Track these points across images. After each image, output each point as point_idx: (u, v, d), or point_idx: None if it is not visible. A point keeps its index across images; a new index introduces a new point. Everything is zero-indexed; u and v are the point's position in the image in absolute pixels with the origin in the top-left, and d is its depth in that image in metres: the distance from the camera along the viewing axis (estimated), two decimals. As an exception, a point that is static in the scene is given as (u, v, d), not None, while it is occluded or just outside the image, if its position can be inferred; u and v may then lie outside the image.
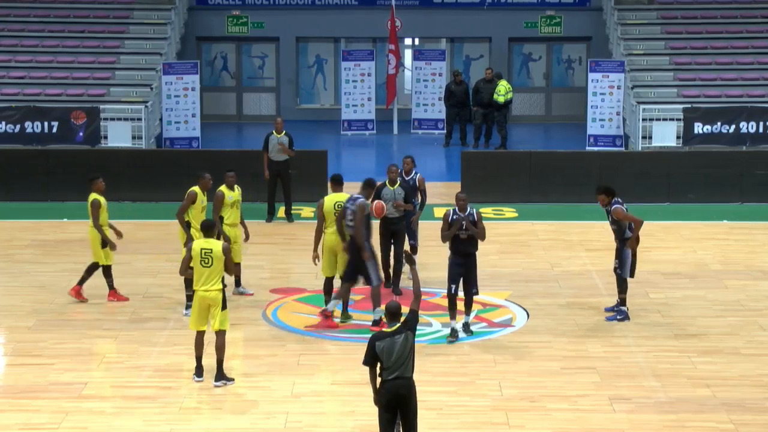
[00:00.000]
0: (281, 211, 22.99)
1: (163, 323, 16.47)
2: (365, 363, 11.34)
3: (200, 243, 14.15)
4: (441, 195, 24.28)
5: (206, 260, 13.99)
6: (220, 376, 14.04)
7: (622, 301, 16.66)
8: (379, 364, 11.28)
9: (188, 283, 16.66)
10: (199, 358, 14.16)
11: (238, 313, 16.56)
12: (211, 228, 14.27)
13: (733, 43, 32.03)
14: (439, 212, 23.60)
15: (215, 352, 14.05)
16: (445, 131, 31.47)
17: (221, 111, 34.92)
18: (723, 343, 15.75)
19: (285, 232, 22.01)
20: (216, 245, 14.07)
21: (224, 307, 14.06)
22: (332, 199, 16.61)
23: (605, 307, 17.07)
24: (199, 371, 14.15)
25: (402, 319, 11.39)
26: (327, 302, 16.61)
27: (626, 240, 16.48)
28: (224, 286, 14.14)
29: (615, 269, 16.69)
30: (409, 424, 11.17)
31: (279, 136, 22.75)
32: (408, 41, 35.56)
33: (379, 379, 11.29)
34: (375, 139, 32.01)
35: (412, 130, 32.60)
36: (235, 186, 17.91)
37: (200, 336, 14.13)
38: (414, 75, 33.30)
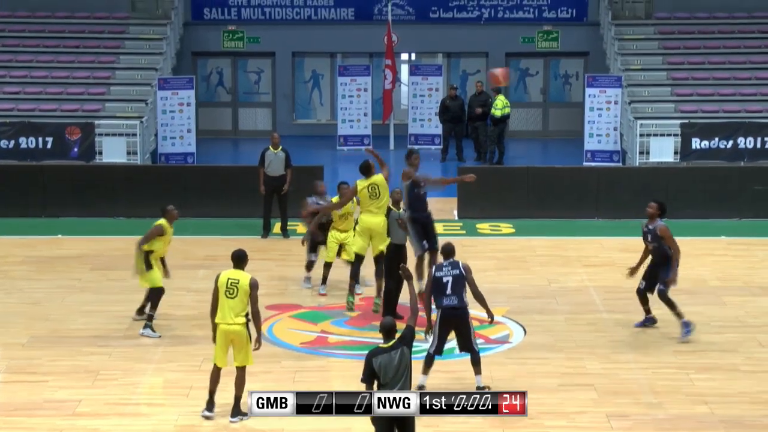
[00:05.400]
0: (277, 227, 22.87)
1: (158, 340, 16.36)
2: (363, 380, 11.23)
3: (227, 273, 13.54)
4: (437, 211, 24.12)
5: (231, 291, 13.41)
6: (237, 411, 13.52)
7: (679, 315, 16.42)
8: (376, 382, 11.16)
9: (154, 302, 16.58)
10: (212, 393, 13.57)
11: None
12: (241, 259, 13.64)
13: (731, 58, 32.01)
14: (437, 229, 23.49)
15: (234, 388, 13.55)
16: (441, 146, 31.44)
17: (217, 126, 34.83)
18: (722, 359, 15.67)
19: (281, 248, 21.90)
20: (244, 277, 13.48)
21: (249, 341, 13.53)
22: (364, 184, 17.45)
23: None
24: (210, 406, 13.55)
25: (397, 335, 11.29)
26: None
27: (666, 259, 16.41)
28: (248, 320, 13.51)
29: (639, 289, 16.58)
30: None
31: (276, 152, 22.66)
32: (404, 56, 35.55)
33: None
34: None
35: (409, 145, 32.52)
36: None
37: (217, 371, 13.56)
38: (410, 90, 33.26)
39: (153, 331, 16.49)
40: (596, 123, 29.96)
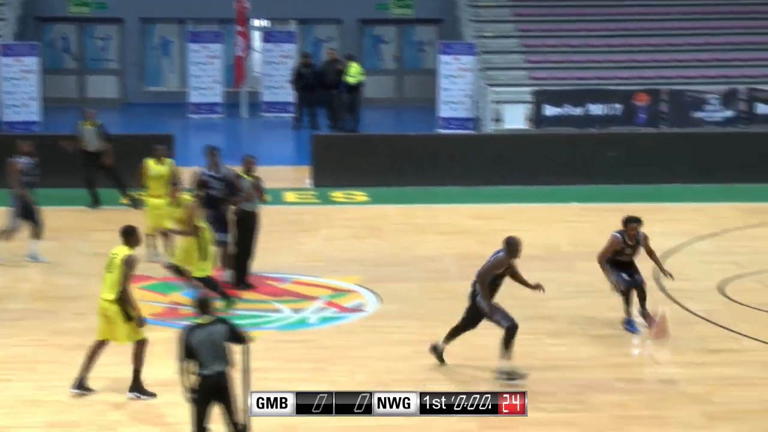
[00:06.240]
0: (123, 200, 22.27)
1: (2, 313, 15.83)
2: (181, 359, 10.89)
3: (114, 248, 13.03)
4: (290, 179, 23.99)
5: (109, 265, 12.91)
6: (135, 387, 13.00)
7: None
8: (194, 359, 10.83)
9: None
10: (83, 369, 13.01)
11: (84, 302, 15.96)
12: (126, 233, 13.06)
13: (584, 25, 32.29)
14: (290, 197, 23.29)
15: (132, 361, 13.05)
16: (294, 114, 31.16)
17: (63, 94, 33.88)
18: (573, 324, 15.78)
19: (131, 219, 21.32)
20: (121, 252, 12.90)
21: (129, 318, 12.91)
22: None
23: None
24: (78, 383, 13.03)
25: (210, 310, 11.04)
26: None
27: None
28: (120, 298, 12.89)
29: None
30: (232, 413, 10.86)
31: (88, 127, 22.22)
32: (257, 23, 35.11)
33: (193, 376, 10.87)
34: (223, 123, 31.54)
35: (261, 113, 32.21)
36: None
37: (97, 345, 13.02)
38: (263, 57, 32.89)
39: None
40: (450, 90, 29.97)
